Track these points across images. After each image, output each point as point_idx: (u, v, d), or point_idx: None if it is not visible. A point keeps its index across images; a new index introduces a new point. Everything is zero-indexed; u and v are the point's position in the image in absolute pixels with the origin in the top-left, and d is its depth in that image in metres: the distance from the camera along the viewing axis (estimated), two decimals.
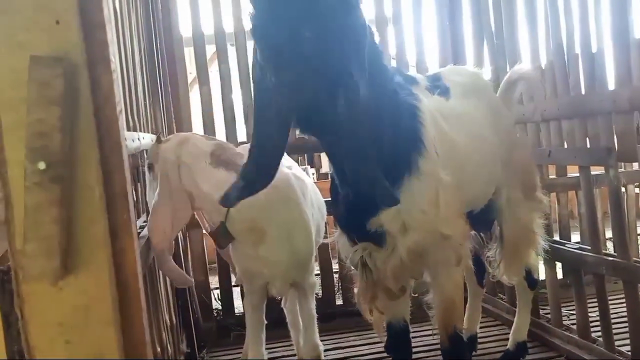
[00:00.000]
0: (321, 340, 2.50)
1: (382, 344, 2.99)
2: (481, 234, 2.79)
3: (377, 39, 1.91)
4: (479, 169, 2.32)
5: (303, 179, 2.44)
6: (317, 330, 2.45)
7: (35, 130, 0.94)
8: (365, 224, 2.02)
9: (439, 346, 2.30)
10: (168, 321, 2.63)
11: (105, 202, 1.01)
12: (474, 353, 2.95)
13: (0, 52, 1.00)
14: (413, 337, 2.50)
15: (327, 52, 1.59)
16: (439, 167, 2.02)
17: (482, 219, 2.53)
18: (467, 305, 2.91)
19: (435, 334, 2.35)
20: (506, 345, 2.92)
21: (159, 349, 2.17)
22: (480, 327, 3.10)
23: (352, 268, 2.28)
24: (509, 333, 2.94)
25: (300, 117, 1.72)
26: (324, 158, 8.17)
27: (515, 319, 2.86)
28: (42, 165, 0.93)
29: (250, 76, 2.10)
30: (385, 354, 2.98)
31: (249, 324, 2.45)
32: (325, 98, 1.63)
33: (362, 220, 2.03)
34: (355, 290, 2.36)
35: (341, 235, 2.24)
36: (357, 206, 2.02)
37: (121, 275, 1.00)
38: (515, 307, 2.94)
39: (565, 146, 2.82)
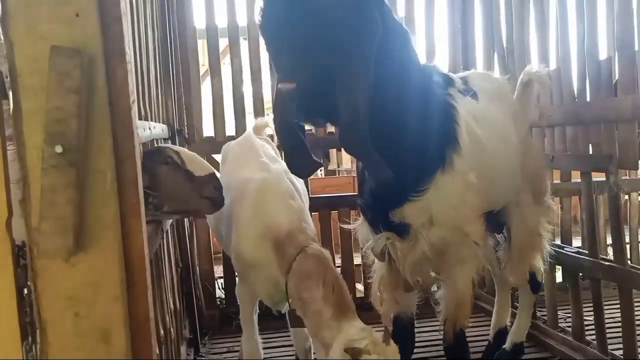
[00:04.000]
0: None
1: None
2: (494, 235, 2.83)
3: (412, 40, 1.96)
4: (504, 173, 2.37)
5: (294, 181, 2.43)
6: None
7: (53, 117, 1.01)
8: (388, 214, 2.07)
9: (438, 342, 2.36)
10: (172, 306, 2.70)
11: (116, 186, 1.08)
12: None
13: (22, 42, 1.06)
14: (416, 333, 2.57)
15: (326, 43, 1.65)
16: (467, 167, 2.08)
17: (494, 221, 2.57)
18: (496, 299, 2.96)
19: (440, 330, 2.41)
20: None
21: (162, 332, 2.24)
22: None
23: (373, 257, 2.35)
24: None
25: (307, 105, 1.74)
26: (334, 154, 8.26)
27: (515, 320, 2.90)
28: (59, 149, 1.00)
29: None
30: None
31: (245, 312, 2.48)
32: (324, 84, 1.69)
33: (386, 211, 2.08)
34: (375, 279, 2.42)
35: (362, 225, 2.31)
36: (382, 196, 2.07)
37: (129, 255, 1.07)
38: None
39: (568, 152, 2.86)
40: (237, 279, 2.60)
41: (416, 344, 2.75)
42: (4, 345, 1.08)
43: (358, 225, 2.38)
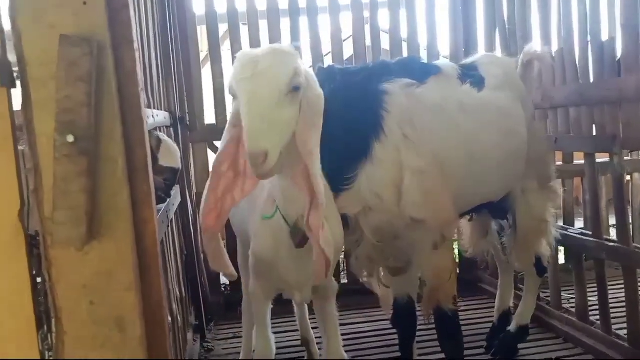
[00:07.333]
0: None
1: (383, 322, 3.06)
2: (498, 221, 2.81)
3: None
4: (500, 163, 2.35)
5: None
6: (341, 339, 2.21)
7: (64, 106, 1.01)
8: None
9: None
10: (178, 294, 2.71)
11: (127, 174, 1.08)
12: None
13: (31, 31, 1.06)
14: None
15: None
16: (410, 154, 2.06)
17: (498, 208, 2.58)
18: (500, 282, 2.98)
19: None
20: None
21: (169, 319, 2.26)
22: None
23: None
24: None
25: None
26: None
27: (521, 303, 2.90)
28: (70, 139, 1.00)
29: None
30: (385, 331, 3.08)
31: (259, 310, 2.22)
32: None
33: None
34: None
35: None
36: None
37: (142, 243, 1.08)
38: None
39: (572, 134, 2.85)
40: (249, 278, 2.34)
41: (422, 325, 2.76)
42: (20, 334, 1.09)
43: None
